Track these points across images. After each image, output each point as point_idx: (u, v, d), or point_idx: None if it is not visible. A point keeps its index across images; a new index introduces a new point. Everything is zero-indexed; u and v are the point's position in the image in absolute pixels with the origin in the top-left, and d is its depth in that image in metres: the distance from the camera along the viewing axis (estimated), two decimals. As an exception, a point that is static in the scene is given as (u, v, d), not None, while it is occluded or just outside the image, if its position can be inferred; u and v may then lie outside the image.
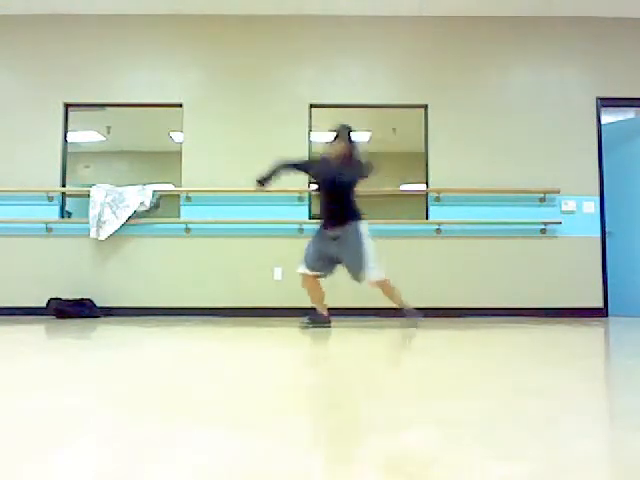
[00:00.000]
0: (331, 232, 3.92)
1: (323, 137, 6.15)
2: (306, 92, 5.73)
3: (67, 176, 5.75)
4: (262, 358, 2.29)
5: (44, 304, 5.28)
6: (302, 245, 5.45)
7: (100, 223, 5.44)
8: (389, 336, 3.25)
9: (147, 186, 5.56)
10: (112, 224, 5.44)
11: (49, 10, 5.76)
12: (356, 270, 3.85)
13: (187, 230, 5.54)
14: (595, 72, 5.77)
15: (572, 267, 5.55)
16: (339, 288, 5.53)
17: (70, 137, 5.83)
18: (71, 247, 5.51)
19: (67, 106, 5.78)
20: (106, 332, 3.54)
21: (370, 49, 5.80)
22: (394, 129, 6.71)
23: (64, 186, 5.70)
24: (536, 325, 4.22)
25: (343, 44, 5.80)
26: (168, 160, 5.90)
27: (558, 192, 5.57)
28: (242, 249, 5.50)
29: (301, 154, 5.46)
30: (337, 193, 3.90)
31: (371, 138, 6.84)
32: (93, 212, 5.43)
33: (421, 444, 0.94)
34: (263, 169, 4.12)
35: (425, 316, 4.14)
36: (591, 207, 5.62)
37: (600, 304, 5.53)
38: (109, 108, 5.94)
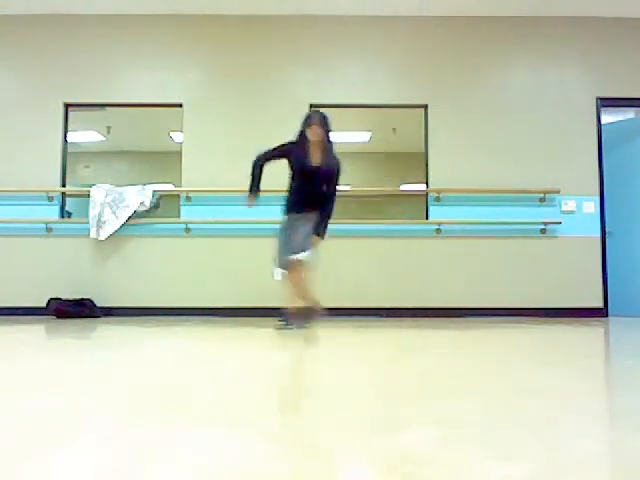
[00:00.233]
0: (299, 215, 3.71)
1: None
2: (306, 92, 5.73)
3: (67, 176, 5.75)
4: (262, 358, 2.29)
5: (44, 304, 5.28)
6: (302, 245, 5.47)
7: (100, 223, 5.43)
8: (389, 336, 3.25)
9: (147, 186, 5.56)
10: (112, 224, 5.44)
11: (49, 10, 5.75)
12: (295, 247, 3.58)
13: (187, 230, 5.54)
14: (595, 72, 5.77)
15: (572, 267, 5.55)
16: (340, 288, 5.53)
17: (70, 137, 5.83)
18: (71, 247, 5.51)
19: (67, 106, 5.78)
20: (106, 332, 3.54)
21: (370, 49, 5.79)
22: (394, 129, 6.71)
23: (64, 186, 5.70)
24: (536, 325, 4.22)
25: (343, 44, 5.80)
26: (168, 160, 5.90)
27: (558, 192, 5.57)
28: (242, 249, 5.50)
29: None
30: (319, 180, 3.72)
31: (371, 138, 6.85)
32: (93, 212, 5.43)
33: (421, 444, 0.94)
34: (247, 174, 3.93)
35: (315, 318, 3.64)
36: (591, 207, 5.62)
37: (600, 304, 5.53)
38: (109, 108, 5.93)
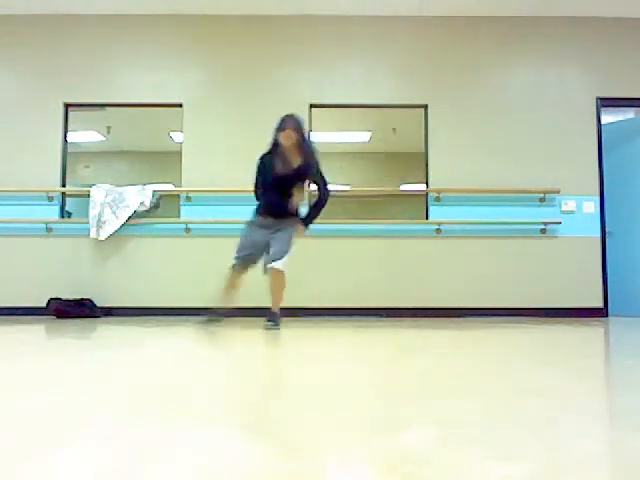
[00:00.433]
0: (270, 221, 3.81)
1: (323, 137, 6.16)
2: (306, 92, 5.73)
3: (67, 176, 5.75)
4: (261, 358, 2.29)
5: (44, 304, 5.28)
6: (302, 245, 5.46)
7: (100, 223, 5.43)
8: (389, 336, 3.25)
9: (147, 186, 5.56)
10: (112, 224, 5.44)
11: (49, 10, 5.76)
12: (276, 257, 3.71)
13: (187, 230, 5.54)
14: (595, 72, 5.77)
15: (572, 267, 5.55)
16: (340, 288, 5.53)
17: (70, 137, 5.83)
18: (71, 247, 5.51)
19: (67, 106, 5.78)
20: (106, 332, 3.54)
21: (370, 49, 5.80)
22: (394, 129, 6.71)
23: (64, 186, 5.70)
24: (536, 325, 4.22)
25: (343, 44, 5.80)
26: (168, 160, 5.90)
27: (558, 192, 5.57)
28: (242, 249, 5.48)
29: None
30: (289, 187, 3.80)
31: (371, 138, 6.85)
32: (93, 212, 5.43)
33: (421, 444, 0.94)
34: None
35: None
36: (591, 207, 5.62)
37: (600, 304, 5.53)
38: (109, 108, 5.94)
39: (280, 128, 3.74)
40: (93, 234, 5.42)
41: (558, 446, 0.93)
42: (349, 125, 6.51)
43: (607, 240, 5.76)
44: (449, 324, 4.36)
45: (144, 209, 5.49)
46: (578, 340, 3.04)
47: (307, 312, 5.42)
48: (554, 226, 5.59)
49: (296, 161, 3.78)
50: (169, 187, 5.88)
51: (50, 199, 5.60)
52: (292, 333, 3.51)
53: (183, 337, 3.19)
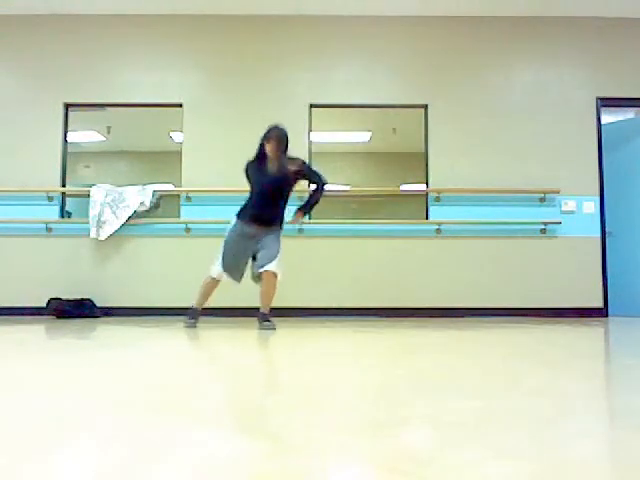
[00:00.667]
0: (255, 230, 3.87)
1: (323, 137, 6.16)
2: (306, 92, 5.73)
3: (67, 176, 5.75)
4: (262, 358, 2.29)
5: (44, 304, 5.28)
6: (301, 245, 5.47)
7: (100, 223, 5.44)
8: (388, 336, 3.25)
9: (147, 186, 5.56)
10: (112, 224, 5.44)
11: (49, 10, 5.76)
12: (266, 261, 3.77)
13: (187, 230, 5.54)
14: (595, 72, 5.77)
15: (572, 267, 5.55)
16: (340, 288, 5.53)
17: (70, 137, 5.83)
18: (71, 247, 5.51)
19: (67, 106, 5.78)
20: (106, 332, 3.54)
21: (370, 49, 5.80)
22: (394, 129, 6.71)
23: (64, 186, 5.70)
24: (536, 325, 4.22)
25: (343, 44, 5.80)
26: (168, 160, 5.91)
27: (558, 192, 5.57)
28: (242, 249, 5.49)
29: (301, 154, 5.44)
30: (278, 197, 3.90)
31: (371, 138, 6.85)
32: (93, 212, 5.43)
33: (420, 444, 0.94)
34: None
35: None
36: (591, 207, 5.62)
37: (600, 304, 5.53)
38: (109, 108, 5.94)
39: (266, 139, 3.83)
40: (93, 234, 5.42)
41: (558, 446, 0.93)
42: (349, 125, 6.50)
43: (607, 240, 5.76)
44: (449, 324, 4.36)
45: (144, 209, 5.49)
46: (578, 340, 3.04)
47: (307, 312, 5.42)
48: (554, 226, 5.59)
49: (283, 169, 3.85)
50: (169, 187, 5.88)
51: (50, 199, 5.60)
52: (291, 333, 3.51)
53: (183, 337, 3.19)
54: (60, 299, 5.27)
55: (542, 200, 5.62)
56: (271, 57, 5.77)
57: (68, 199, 5.77)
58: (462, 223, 5.55)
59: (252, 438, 0.98)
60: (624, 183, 5.90)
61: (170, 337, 3.19)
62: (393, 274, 5.53)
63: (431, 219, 5.58)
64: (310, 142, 5.71)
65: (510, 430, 1.03)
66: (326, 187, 4.01)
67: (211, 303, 5.47)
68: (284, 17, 5.80)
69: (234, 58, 5.77)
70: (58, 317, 5.09)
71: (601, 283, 5.56)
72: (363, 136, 6.90)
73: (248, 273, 4.06)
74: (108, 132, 6.43)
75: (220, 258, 3.93)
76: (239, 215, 3.96)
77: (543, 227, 5.57)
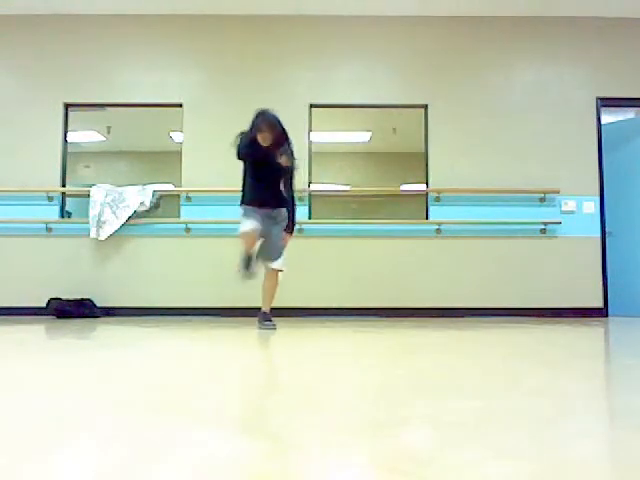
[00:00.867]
0: (268, 211, 3.81)
1: (323, 137, 6.16)
2: (306, 92, 5.73)
3: (67, 176, 5.75)
4: (262, 358, 2.29)
5: (44, 304, 5.28)
6: (301, 245, 5.47)
7: (100, 223, 5.44)
8: (388, 336, 3.25)
9: (147, 186, 5.56)
10: (112, 224, 5.44)
11: (49, 10, 5.76)
12: (274, 255, 3.75)
13: (187, 230, 5.54)
14: (595, 72, 5.77)
15: (572, 267, 5.55)
16: (340, 288, 5.53)
17: (70, 137, 5.83)
18: (71, 247, 5.52)
19: (67, 106, 5.78)
20: (106, 332, 3.54)
21: (370, 49, 5.80)
22: (394, 129, 6.71)
23: (64, 186, 5.70)
24: (536, 325, 4.22)
25: (343, 44, 5.80)
26: (168, 160, 5.90)
27: (558, 192, 5.57)
28: (242, 249, 5.49)
29: (301, 154, 5.44)
30: (275, 178, 3.82)
31: (371, 138, 6.84)
32: (93, 212, 5.43)
33: (420, 443, 0.94)
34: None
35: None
36: (591, 207, 5.62)
37: (600, 304, 5.53)
38: (109, 108, 5.94)
39: (257, 130, 3.65)
40: (93, 234, 5.42)
41: (558, 446, 0.93)
42: (349, 125, 6.50)
43: (607, 240, 5.76)
44: (449, 324, 4.36)
45: (144, 209, 5.49)
46: (578, 340, 3.04)
47: (307, 312, 5.42)
48: (554, 226, 5.59)
49: (278, 152, 3.69)
50: (169, 187, 5.88)
51: (50, 199, 5.60)
52: (291, 333, 3.51)
53: (183, 337, 3.19)
54: (60, 299, 5.28)
55: (542, 200, 5.62)
56: (271, 57, 5.77)
57: (68, 199, 5.77)
58: (462, 223, 5.55)
59: (252, 438, 0.98)
60: (624, 183, 5.90)
61: (170, 337, 3.19)
62: (393, 274, 5.53)
63: (431, 219, 5.58)
64: (310, 142, 5.71)
65: (510, 430, 1.03)
66: (293, 197, 3.92)
67: (211, 303, 5.49)
68: (284, 17, 5.80)
69: (234, 58, 5.77)
70: (58, 317, 5.09)
71: (601, 283, 5.56)
72: (363, 136, 6.89)
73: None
74: (108, 132, 6.43)
75: (244, 220, 3.75)
76: (242, 203, 3.87)
77: (543, 227, 5.57)
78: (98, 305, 5.36)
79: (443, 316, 5.38)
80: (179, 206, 5.63)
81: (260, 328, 3.78)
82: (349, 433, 1.01)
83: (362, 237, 5.55)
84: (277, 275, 3.83)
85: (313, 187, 5.73)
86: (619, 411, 1.24)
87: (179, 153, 5.70)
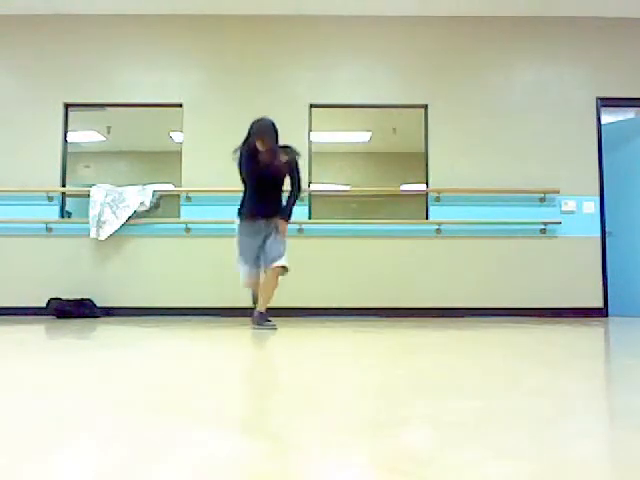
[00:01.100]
0: (261, 224, 3.88)
1: (323, 137, 6.16)
2: (306, 92, 5.73)
3: (67, 176, 5.75)
4: (262, 358, 2.29)
5: (44, 304, 5.28)
6: (301, 245, 5.47)
7: (100, 223, 5.44)
8: (388, 336, 3.25)
9: (147, 186, 5.56)
10: (112, 224, 5.44)
11: (49, 10, 5.76)
12: (275, 256, 3.78)
13: (187, 230, 5.54)
14: (595, 72, 5.77)
15: (572, 267, 5.55)
16: (340, 288, 5.53)
17: (70, 137, 5.83)
18: (71, 247, 5.52)
19: (67, 106, 5.78)
20: (106, 332, 3.54)
21: (370, 49, 5.80)
22: (394, 129, 6.70)
23: (64, 186, 5.70)
24: (536, 325, 4.22)
25: (343, 44, 5.80)
26: (168, 160, 5.90)
27: (558, 192, 5.57)
28: (242, 249, 5.49)
29: (301, 154, 5.43)
30: (273, 187, 3.88)
31: (371, 138, 6.84)
32: (93, 212, 5.44)
33: (420, 443, 0.94)
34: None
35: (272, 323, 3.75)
36: (591, 207, 5.62)
37: (600, 304, 5.53)
38: (109, 108, 5.94)
39: (254, 136, 3.75)
40: (93, 234, 5.42)
41: (558, 446, 0.93)
42: (349, 125, 6.50)
43: (607, 240, 5.76)
44: (449, 324, 4.36)
45: (144, 209, 5.49)
46: (578, 340, 3.04)
47: (307, 312, 5.42)
48: (554, 226, 5.59)
49: (275, 161, 3.81)
50: (169, 187, 5.88)
51: (50, 199, 5.60)
52: (291, 333, 3.51)
53: (183, 337, 3.19)
54: (60, 299, 5.28)
55: (542, 200, 5.62)
56: (271, 57, 5.77)
57: (68, 199, 5.77)
58: (462, 223, 5.55)
59: (252, 438, 0.98)
60: (624, 183, 5.90)
61: (170, 337, 3.19)
62: (393, 274, 5.53)
63: (431, 219, 5.58)
64: (310, 142, 5.72)
65: (510, 430, 1.03)
66: (300, 193, 4.00)
67: (211, 303, 5.49)
68: (284, 17, 5.80)
69: (234, 58, 5.77)
70: (58, 317, 5.09)
71: (601, 283, 5.56)
72: (363, 136, 6.89)
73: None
74: (108, 132, 6.43)
75: (240, 264, 3.95)
76: (239, 214, 3.96)
77: (543, 227, 5.57)
78: (98, 305, 5.36)
79: (443, 316, 5.38)
80: (179, 206, 5.63)
81: (258, 329, 3.75)
82: (349, 433, 1.01)
83: (362, 237, 5.55)
84: (278, 275, 3.82)
85: (313, 187, 5.73)
86: (619, 411, 1.24)
87: (179, 153, 5.70)
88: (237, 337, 3.21)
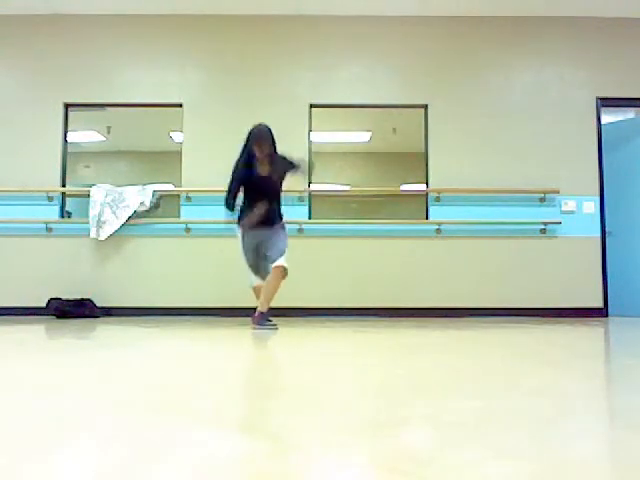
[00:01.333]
0: (259, 232, 3.92)
1: (323, 137, 6.16)
2: (306, 92, 5.73)
3: (67, 176, 5.75)
4: (262, 358, 2.29)
5: (44, 304, 5.28)
6: (301, 245, 5.47)
7: (100, 223, 5.44)
8: (388, 336, 3.25)
9: (147, 186, 5.56)
10: (112, 224, 5.44)
11: (49, 10, 5.76)
12: (276, 256, 3.80)
13: (187, 230, 5.54)
14: (595, 72, 5.77)
15: (572, 267, 5.55)
16: (339, 288, 5.53)
17: (70, 137, 5.83)
18: (71, 247, 5.52)
19: (67, 106, 5.78)
20: (106, 332, 3.54)
21: (370, 49, 5.80)
22: (394, 129, 6.71)
23: (64, 186, 5.70)
24: (536, 325, 4.22)
25: (343, 44, 5.80)
26: (168, 160, 5.90)
27: (558, 192, 5.57)
28: (242, 249, 5.49)
29: (301, 154, 5.44)
30: (272, 195, 3.94)
31: (371, 138, 6.84)
32: (93, 212, 5.44)
33: (420, 443, 0.94)
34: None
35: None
36: (591, 207, 5.62)
37: (600, 304, 5.53)
38: (109, 108, 5.94)
39: (252, 142, 3.84)
40: (93, 234, 5.42)
41: (558, 446, 0.93)
42: (349, 125, 6.50)
43: (607, 240, 5.76)
44: (449, 324, 4.36)
45: (144, 209, 5.49)
46: (578, 340, 3.04)
47: (307, 312, 5.42)
48: (554, 226, 5.59)
49: (266, 170, 3.89)
50: (169, 187, 5.88)
51: (50, 199, 5.60)
52: (291, 333, 3.51)
53: (183, 337, 3.19)
54: (60, 299, 5.28)
55: (542, 200, 5.62)
56: (271, 57, 5.77)
57: (68, 199, 5.77)
58: (462, 223, 5.55)
59: (252, 438, 0.98)
60: (624, 183, 5.90)
61: (170, 337, 3.19)
62: (393, 274, 5.53)
63: (431, 219, 5.58)
64: (310, 142, 5.71)
65: (510, 430, 1.03)
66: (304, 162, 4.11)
67: (211, 303, 5.49)
68: (284, 17, 5.80)
69: (234, 58, 5.77)
70: (58, 317, 5.09)
71: (601, 283, 5.56)
72: (363, 136, 6.89)
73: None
74: (108, 132, 6.43)
75: (248, 269, 4.03)
76: (239, 222, 3.97)
77: (543, 227, 5.57)
78: (98, 305, 5.36)
79: (443, 316, 5.38)
80: (179, 206, 5.63)
81: (259, 328, 3.74)
82: (349, 433, 1.01)
83: (362, 237, 5.55)
84: (282, 272, 3.79)
85: (313, 187, 5.72)
86: (619, 411, 1.24)
87: (179, 153, 5.70)
88: (237, 337, 3.21)
